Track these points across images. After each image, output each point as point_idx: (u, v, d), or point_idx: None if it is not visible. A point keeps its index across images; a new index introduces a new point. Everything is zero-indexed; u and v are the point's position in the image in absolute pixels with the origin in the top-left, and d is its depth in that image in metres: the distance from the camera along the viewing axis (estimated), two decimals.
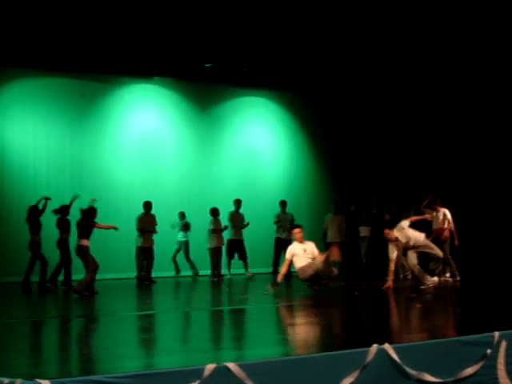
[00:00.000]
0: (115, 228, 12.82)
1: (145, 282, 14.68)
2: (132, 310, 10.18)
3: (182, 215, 16.15)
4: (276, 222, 16.48)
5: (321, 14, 13.65)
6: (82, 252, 11.92)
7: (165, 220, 15.51)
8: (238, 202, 16.10)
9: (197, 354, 6.04)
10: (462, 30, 14.40)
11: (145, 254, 14.95)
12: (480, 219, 15.99)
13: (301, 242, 12.13)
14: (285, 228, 16.31)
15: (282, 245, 16.14)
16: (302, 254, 11.91)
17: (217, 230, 15.36)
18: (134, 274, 15.10)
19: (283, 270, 12.09)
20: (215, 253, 15.42)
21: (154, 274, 15.04)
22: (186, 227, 16.11)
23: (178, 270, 16.17)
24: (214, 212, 15.49)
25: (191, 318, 9.18)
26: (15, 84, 15.90)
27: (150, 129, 17.18)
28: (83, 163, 16.24)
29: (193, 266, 16.18)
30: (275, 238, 16.50)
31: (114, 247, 15.49)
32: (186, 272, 16.11)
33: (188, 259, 16.15)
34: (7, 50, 14.69)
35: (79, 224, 12.11)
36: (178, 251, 16.13)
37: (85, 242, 11.92)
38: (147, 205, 15.12)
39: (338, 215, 16.50)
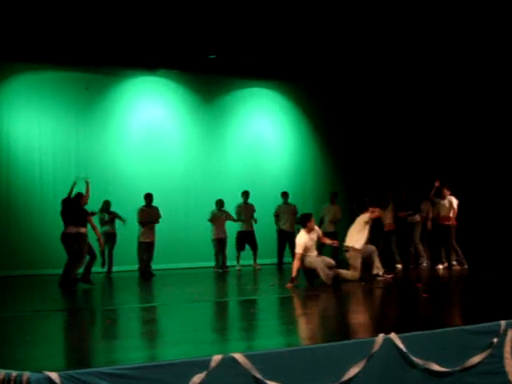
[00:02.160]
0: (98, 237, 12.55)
1: (146, 274, 14.53)
2: (136, 302, 10.21)
3: (107, 204, 15.02)
4: (275, 215, 16.48)
5: (324, 4, 13.61)
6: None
7: (170, 211, 15.51)
8: (245, 194, 16.09)
9: (204, 344, 6.06)
10: (471, 17, 14.36)
11: (145, 249, 14.74)
12: (486, 209, 15.95)
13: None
14: (287, 219, 16.36)
15: (284, 236, 16.27)
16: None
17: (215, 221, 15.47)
18: (135, 266, 15.11)
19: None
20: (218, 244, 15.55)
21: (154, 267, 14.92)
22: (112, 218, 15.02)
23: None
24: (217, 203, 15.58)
25: (199, 310, 9.20)
26: (20, 78, 15.91)
27: (155, 121, 17.19)
28: (89, 156, 16.26)
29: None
30: (278, 230, 16.53)
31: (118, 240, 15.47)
32: (184, 264, 15.94)
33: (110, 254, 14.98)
34: (11, 44, 14.69)
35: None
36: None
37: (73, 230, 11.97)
38: (148, 197, 14.92)
39: (334, 205, 16.55)
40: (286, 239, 16.36)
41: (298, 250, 11.42)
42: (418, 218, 14.99)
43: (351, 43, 15.75)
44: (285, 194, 16.56)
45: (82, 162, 16.15)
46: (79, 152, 16.20)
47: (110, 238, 14.73)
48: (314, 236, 11.65)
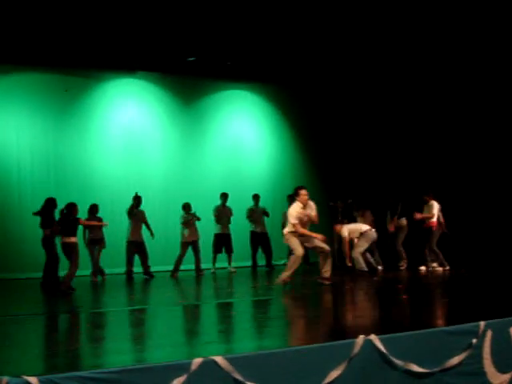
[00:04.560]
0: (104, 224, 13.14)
1: (144, 276, 14.72)
2: (123, 305, 10.17)
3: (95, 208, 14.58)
4: (248, 217, 16.44)
5: (302, 6, 13.63)
6: (70, 249, 11.87)
7: (149, 213, 15.39)
8: (224, 196, 16.03)
9: (184, 347, 6.05)
10: (447, 19, 14.44)
11: (137, 249, 14.93)
12: (468, 211, 16.01)
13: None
14: (259, 221, 16.34)
15: (257, 238, 16.26)
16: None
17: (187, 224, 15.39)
18: (122, 269, 15.03)
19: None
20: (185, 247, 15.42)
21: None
22: None
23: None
24: (186, 207, 15.43)
25: (180, 313, 9.18)
26: None
27: (134, 123, 17.11)
28: (67, 158, 16.14)
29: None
30: (250, 232, 16.49)
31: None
32: (161, 267, 15.87)
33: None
34: None
35: (64, 221, 12.04)
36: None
37: (72, 239, 11.90)
38: (136, 198, 14.94)
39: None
40: (258, 241, 16.38)
41: (292, 220, 11.25)
42: (404, 222, 15.07)
43: (330, 45, 15.81)
44: (256, 197, 16.47)
45: (61, 164, 16.05)
46: (58, 154, 16.08)
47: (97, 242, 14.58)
48: (309, 212, 11.46)
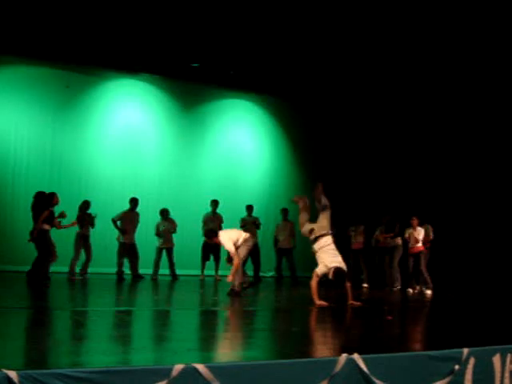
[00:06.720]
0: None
1: (135, 278, 14.79)
2: (103, 305, 10.14)
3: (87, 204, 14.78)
4: (242, 226, 16.21)
5: (306, 22, 13.73)
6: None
7: (141, 215, 15.37)
8: (214, 203, 15.99)
9: (166, 353, 6.03)
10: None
11: (127, 250, 14.93)
12: (456, 235, 16.05)
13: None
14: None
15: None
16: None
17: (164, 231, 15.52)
18: (112, 269, 15.01)
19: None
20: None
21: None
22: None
23: None
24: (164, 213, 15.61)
25: (163, 317, 9.15)
26: None
27: (133, 124, 17.14)
28: (64, 155, 16.15)
29: None
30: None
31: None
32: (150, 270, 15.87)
33: None
34: None
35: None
36: None
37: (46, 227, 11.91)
38: (133, 201, 15.08)
39: (287, 221, 16.51)
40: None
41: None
42: (399, 241, 15.05)
43: (332, 60, 15.92)
44: (249, 208, 16.34)
45: (57, 160, 16.08)
46: (54, 150, 16.10)
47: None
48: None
